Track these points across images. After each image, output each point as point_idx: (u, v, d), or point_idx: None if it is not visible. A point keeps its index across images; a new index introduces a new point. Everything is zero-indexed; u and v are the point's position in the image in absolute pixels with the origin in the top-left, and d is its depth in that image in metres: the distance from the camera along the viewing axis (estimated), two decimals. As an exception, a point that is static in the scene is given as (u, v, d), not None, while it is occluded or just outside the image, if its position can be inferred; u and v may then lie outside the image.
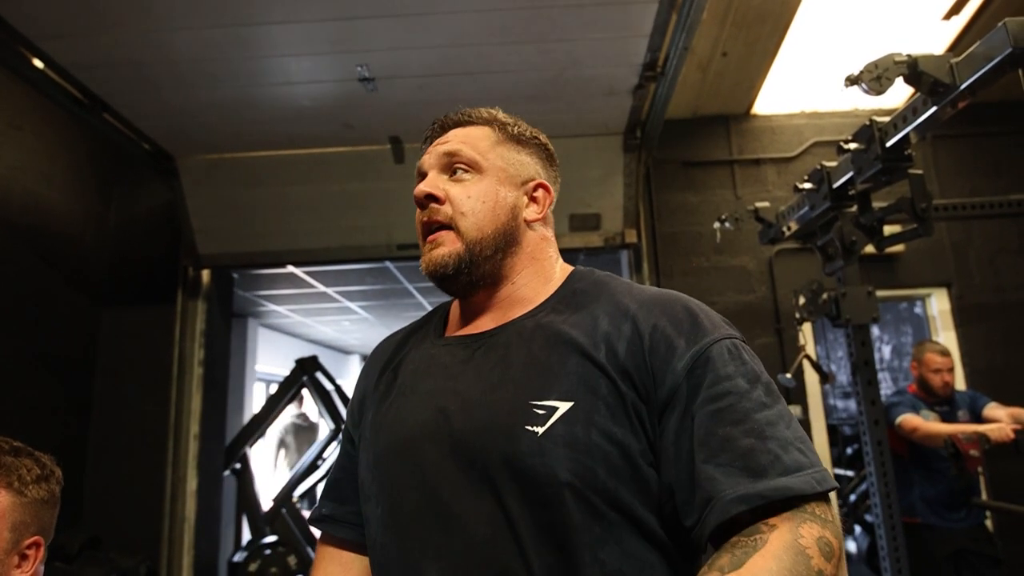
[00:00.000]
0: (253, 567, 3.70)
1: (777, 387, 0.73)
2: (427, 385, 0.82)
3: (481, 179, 0.84)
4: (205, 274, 3.56)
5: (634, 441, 0.70)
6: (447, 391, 0.79)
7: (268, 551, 3.75)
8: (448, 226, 0.83)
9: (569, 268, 0.90)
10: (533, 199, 0.88)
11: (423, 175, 0.88)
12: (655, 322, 0.74)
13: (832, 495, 0.67)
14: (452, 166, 0.85)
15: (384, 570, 0.77)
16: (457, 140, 0.86)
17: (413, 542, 0.73)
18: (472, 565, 0.69)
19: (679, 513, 0.68)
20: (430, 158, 0.88)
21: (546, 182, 0.90)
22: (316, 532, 1.01)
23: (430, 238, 0.84)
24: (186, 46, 2.39)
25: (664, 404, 0.71)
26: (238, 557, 3.83)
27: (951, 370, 2.81)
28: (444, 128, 0.90)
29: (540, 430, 0.70)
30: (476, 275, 0.83)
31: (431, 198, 0.84)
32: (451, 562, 0.70)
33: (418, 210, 0.86)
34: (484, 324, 0.85)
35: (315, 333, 7.45)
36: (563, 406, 0.71)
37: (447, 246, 0.82)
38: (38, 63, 2.42)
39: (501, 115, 0.90)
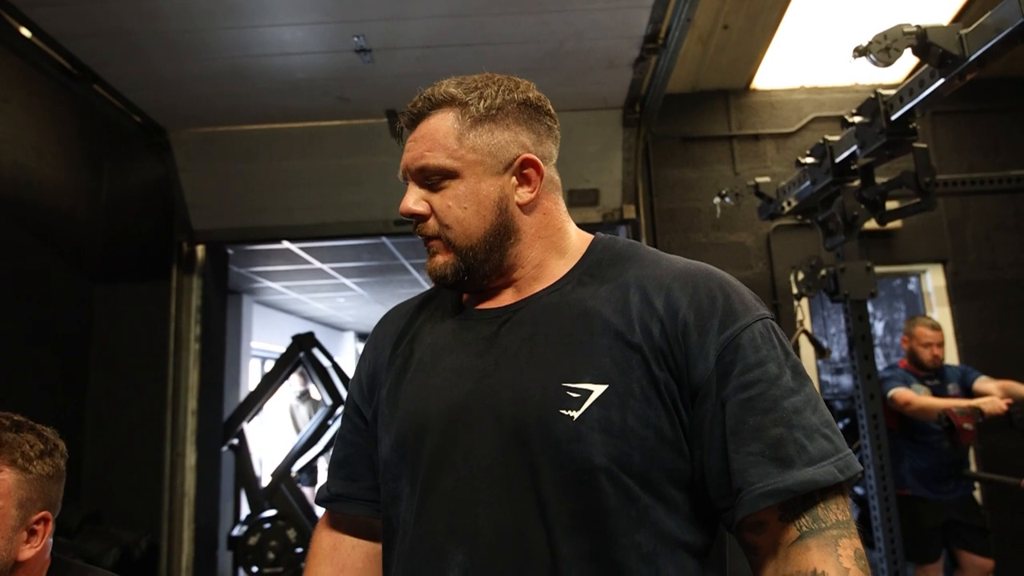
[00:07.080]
0: (253, 540, 3.73)
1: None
2: (450, 362, 0.79)
3: (459, 182, 0.79)
4: (200, 250, 3.51)
5: (667, 423, 0.70)
6: (473, 370, 0.77)
7: (268, 525, 3.78)
8: (438, 237, 0.81)
9: (588, 237, 0.87)
10: (524, 178, 0.80)
11: (406, 179, 0.84)
12: (690, 300, 0.73)
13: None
14: (427, 179, 0.81)
15: (408, 550, 0.74)
16: (423, 145, 0.79)
17: (440, 525, 0.72)
18: (498, 551, 0.69)
19: (711, 496, 0.70)
20: (407, 165, 0.82)
21: (533, 154, 0.80)
22: (320, 512, 0.97)
23: (427, 245, 0.83)
24: (176, 15, 2.33)
25: (696, 387, 0.70)
26: (237, 531, 3.86)
27: (941, 344, 2.84)
28: (413, 120, 0.82)
29: (575, 414, 0.69)
30: (479, 276, 0.81)
31: (415, 217, 0.82)
32: (478, 548, 0.69)
33: None
34: (505, 299, 0.83)
35: (310, 310, 7.42)
36: (598, 389, 0.70)
37: (441, 256, 0.81)
38: (25, 32, 2.35)
39: (466, 87, 0.80)
